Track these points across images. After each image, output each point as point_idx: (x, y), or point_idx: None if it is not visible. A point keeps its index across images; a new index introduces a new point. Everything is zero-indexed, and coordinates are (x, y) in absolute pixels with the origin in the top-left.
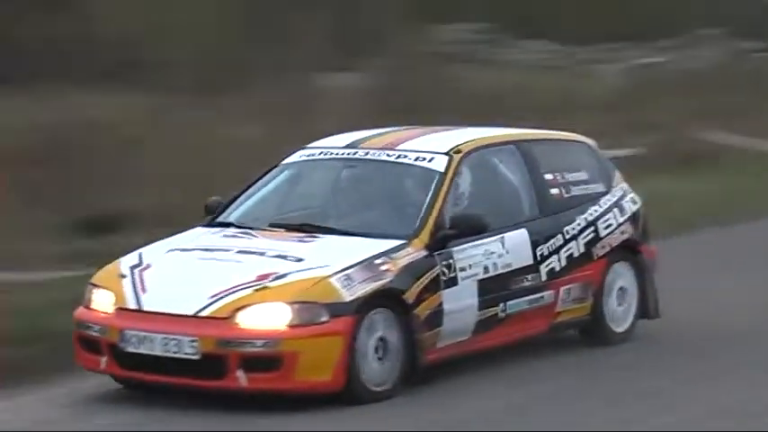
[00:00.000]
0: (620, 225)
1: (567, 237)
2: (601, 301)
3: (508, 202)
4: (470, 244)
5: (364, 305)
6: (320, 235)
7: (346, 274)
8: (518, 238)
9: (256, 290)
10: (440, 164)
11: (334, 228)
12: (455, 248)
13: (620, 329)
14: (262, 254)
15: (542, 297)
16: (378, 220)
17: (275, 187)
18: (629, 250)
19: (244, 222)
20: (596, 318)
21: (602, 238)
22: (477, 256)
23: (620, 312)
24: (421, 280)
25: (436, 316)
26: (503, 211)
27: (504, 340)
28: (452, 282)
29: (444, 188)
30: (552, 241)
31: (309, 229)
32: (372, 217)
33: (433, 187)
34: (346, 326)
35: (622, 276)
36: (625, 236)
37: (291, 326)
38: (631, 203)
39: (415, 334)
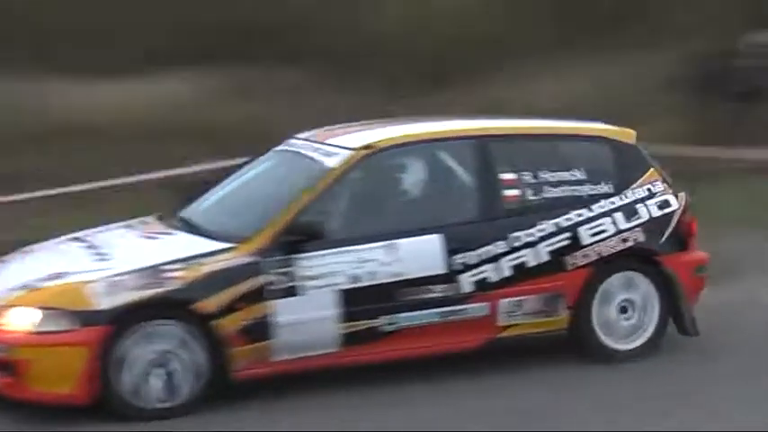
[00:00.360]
0: (621, 231)
1: (517, 244)
2: (586, 314)
3: (417, 205)
4: (331, 251)
5: (126, 315)
6: (175, 232)
7: (115, 281)
8: (421, 245)
9: (29, 290)
10: (336, 160)
11: (195, 225)
12: (301, 255)
13: (624, 347)
14: (93, 248)
15: (465, 309)
16: (234, 219)
17: (247, 178)
18: (640, 259)
19: (190, 218)
20: (581, 333)
21: (584, 246)
22: (341, 265)
23: (626, 328)
24: (232, 289)
25: (259, 328)
26: (404, 214)
27: (404, 354)
28: (290, 291)
29: (322, 187)
30: (487, 248)
31: (179, 224)
32: (235, 216)
33: (313, 186)
34: (95, 336)
35: (628, 288)
36: (629, 243)
37: (34, 332)
38: (656, 207)
39: (221, 347)
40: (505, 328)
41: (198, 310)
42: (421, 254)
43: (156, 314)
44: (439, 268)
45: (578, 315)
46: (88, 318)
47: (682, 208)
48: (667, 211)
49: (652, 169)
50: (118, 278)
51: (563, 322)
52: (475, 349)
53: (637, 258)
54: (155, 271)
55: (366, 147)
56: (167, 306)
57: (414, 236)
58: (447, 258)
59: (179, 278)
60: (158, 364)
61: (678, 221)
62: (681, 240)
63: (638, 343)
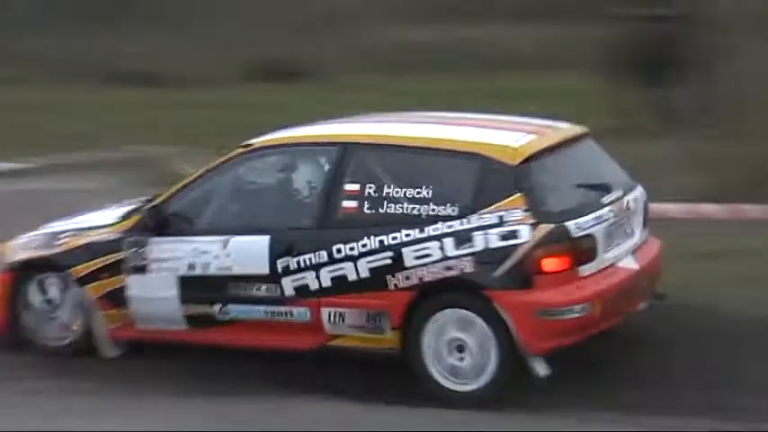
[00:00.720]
0: (447, 258)
1: (338, 256)
2: (416, 342)
3: (263, 206)
4: (176, 239)
5: (23, 268)
6: (120, 208)
7: (27, 241)
8: (250, 245)
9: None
10: (222, 156)
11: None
12: (153, 239)
13: (462, 388)
14: (77, 215)
15: (289, 312)
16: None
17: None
18: (473, 294)
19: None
20: (413, 362)
21: (406, 268)
22: (182, 252)
23: (459, 368)
24: (98, 260)
25: (118, 297)
26: (249, 213)
27: (244, 342)
28: (141, 269)
29: (189, 180)
30: (309, 256)
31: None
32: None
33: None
34: (5, 279)
35: (463, 327)
36: (453, 272)
37: None
38: (498, 237)
39: (90, 309)
40: (334, 336)
41: (72, 274)
42: (249, 253)
43: (44, 270)
44: (263, 268)
45: (408, 341)
46: (6, 266)
47: (534, 242)
48: (510, 243)
49: (518, 195)
50: (31, 239)
51: (393, 342)
52: (309, 351)
53: (469, 293)
54: (53, 236)
55: (245, 145)
56: (51, 267)
57: (247, 235)
58: (271, 260)
59: (63, 245)
60: (52, 310)
61: (523, 256)
62: (523, 277)
63: (477, 384)
